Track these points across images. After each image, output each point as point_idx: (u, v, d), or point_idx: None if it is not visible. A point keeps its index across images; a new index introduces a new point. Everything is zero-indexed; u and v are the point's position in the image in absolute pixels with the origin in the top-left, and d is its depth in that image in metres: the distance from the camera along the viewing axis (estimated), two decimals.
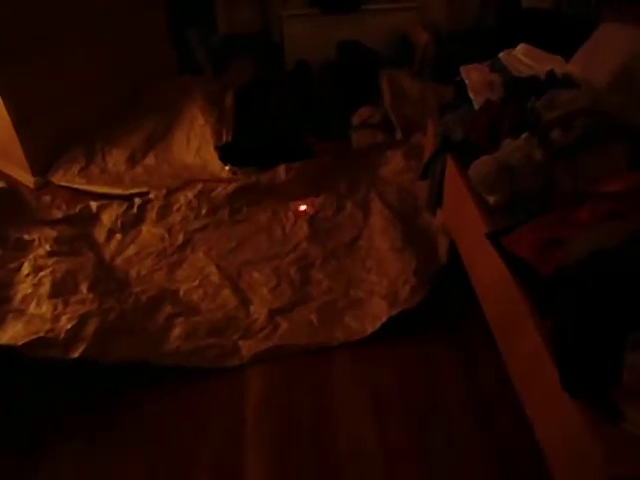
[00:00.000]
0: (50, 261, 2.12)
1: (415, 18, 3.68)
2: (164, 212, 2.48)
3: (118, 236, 2.37)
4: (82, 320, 1.82)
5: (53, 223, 2.38)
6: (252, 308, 2.01)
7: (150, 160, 2.93)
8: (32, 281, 2.02)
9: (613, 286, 1.13)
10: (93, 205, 2.52)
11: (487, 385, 1.73)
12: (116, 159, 2.89)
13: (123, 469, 1.55)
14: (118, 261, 2.24)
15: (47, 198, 2.61)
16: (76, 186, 2.73)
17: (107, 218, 2.45)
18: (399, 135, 2.93)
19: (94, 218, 2.47)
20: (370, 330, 1.88)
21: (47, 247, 2.19)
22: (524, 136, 1.69)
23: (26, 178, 2.78)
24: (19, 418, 1.69)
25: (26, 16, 2.56)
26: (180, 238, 2.34)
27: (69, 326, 1.79)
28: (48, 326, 1.79)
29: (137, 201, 2.52)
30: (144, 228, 2.41)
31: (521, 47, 2.29)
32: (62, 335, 1.76)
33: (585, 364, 1.11)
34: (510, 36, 2.46)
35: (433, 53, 3.42)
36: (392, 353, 1.85)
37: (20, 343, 1.70)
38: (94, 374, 1.75)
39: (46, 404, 1.71)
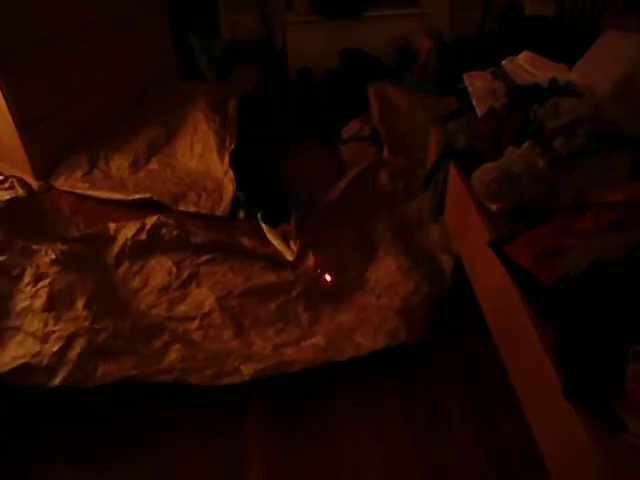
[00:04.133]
0: (52, 270, 1.99)
1: (418, 25, 3.69)
2: (172, 242, 2.32)
3: (126, 262, 2.24)
4: (69, 341, 1.71)
5: (68, 241, 2.25)
6: (255, 347, 1.90)
7: (153, 165, 2.93)
8: (30, 292, 1.91)
9: (616, 296, 1.13)
10: (112, 227, 2.38)
11: (489, 395, 1.72)
12: (119, 164, 2.90)
13: None
14: (122, 288, 2.12)
15: (66, 213, 2.51)
16: (79, 191, 2.73)
17: (121, 240, 2.31)
18: (386, 154, 2.83)
19: (110, 240, 2.33)
20: (382, 345, 1.82)
21: (52, 255, 2.06)
22: (527, 144, 1.68)
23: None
24: (9, 436, 1.64)
25: (30, 20, 2.58)
26: (186, 273, 2.19)
27: (55, 348, 1.68)
28: (37, 348, 1.69)
29: (147, 224, 2.36)
30: (152, 259, 2.26)
31: (524, 55, 2.28)
32: (46, 361, 1.65)
33: (587, 374, 1.10)
34: (513, 43, 2.46)
35: (436, 60, 3.42)
36: (393, 364, 1.83)
37: (4, 370, 1.60)
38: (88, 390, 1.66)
39: (40, 420, 1.66)
